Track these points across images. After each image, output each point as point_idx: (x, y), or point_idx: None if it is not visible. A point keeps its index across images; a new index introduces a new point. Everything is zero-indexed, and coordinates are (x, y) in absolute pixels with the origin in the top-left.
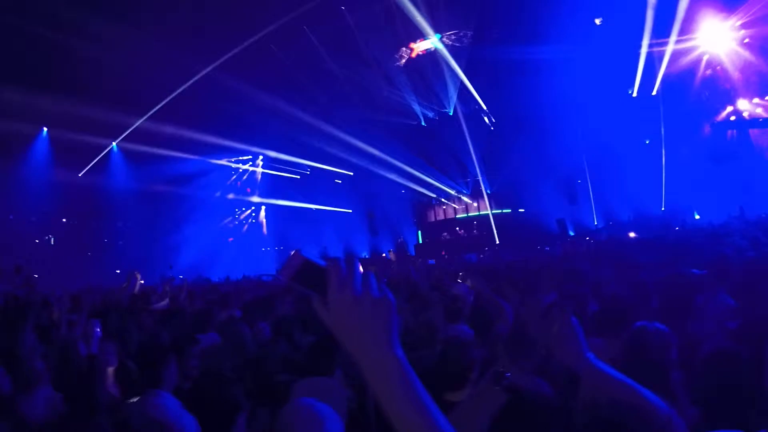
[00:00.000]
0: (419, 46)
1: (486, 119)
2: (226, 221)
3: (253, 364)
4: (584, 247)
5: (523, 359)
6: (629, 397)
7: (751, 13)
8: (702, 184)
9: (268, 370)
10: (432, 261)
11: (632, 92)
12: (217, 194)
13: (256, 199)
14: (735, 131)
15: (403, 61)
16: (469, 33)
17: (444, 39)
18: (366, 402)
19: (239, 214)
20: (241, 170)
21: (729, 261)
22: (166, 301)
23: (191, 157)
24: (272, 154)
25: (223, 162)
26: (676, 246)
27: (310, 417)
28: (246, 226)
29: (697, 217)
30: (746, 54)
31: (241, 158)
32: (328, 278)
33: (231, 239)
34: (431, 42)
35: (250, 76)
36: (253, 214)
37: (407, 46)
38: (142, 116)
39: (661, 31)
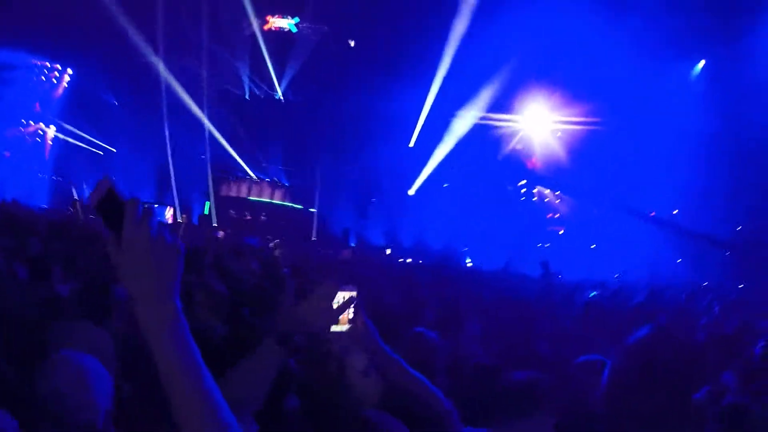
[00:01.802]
0: (275, 22)
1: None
2: (6, 132)
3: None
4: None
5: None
6: (422, 387)
7: (569, 115)
8: (482, 235)
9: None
10: (218, 233)
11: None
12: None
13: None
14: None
15: (253, 28)
16: (325, 28)
17: (301, 24)
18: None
19: (25, 127)
20: (44, 79)
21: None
22: None
23: None
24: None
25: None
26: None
27: (77, 374)
28: (29, 143)
29: (469, 261)
30: (555, 146)
31: (47, 64)
32: (126, 214)
33: (8, 154)
34: (287, 22)
35: None
36: (41, 132)
37: (263, 17)
38: None
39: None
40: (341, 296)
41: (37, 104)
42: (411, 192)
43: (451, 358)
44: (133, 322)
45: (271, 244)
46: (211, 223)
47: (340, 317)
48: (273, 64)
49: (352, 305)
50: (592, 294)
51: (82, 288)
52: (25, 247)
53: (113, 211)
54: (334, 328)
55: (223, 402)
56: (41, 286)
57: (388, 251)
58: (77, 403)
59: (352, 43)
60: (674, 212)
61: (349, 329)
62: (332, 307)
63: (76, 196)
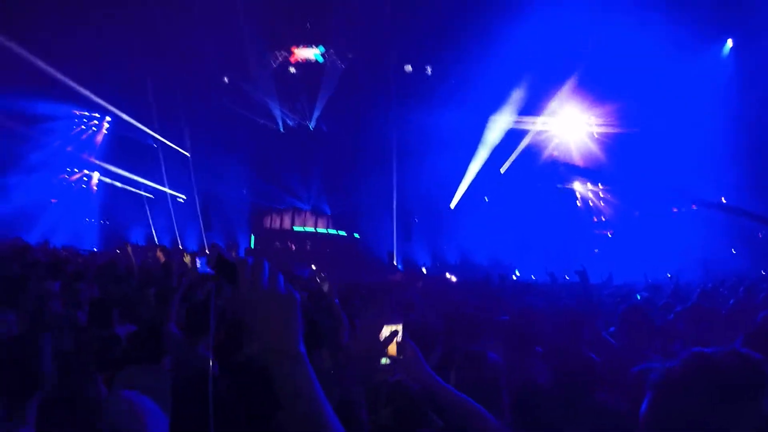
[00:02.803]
0: (301, 53)
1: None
2: (54, 179)
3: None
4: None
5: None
6: (468, 408)
7: (604, 115)
8: (526, 247)
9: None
10: None
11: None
12: (56, 144)
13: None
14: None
15: (280, 61)
16: (350, 55)
17: (327, 53)
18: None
19: (70, 175)
20: (84, 127)
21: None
22: None
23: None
24: (122, 116)
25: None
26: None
27: (131, 412)
28: (75, 190)
29: (517, 274)
30: (592, 146)
31: (86, 113)
32: (239, 272)
33: (54, 201)
34: (314, 52)
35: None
36: (85, 179)
37: (289, 49)
38: None
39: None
40: (387, 330)
41: (84, 152)
42: (452, 206)
43: (515, 379)
44: (184, 362)
45: (318, 278)
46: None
47: (388, 348)
48: (303, 95)
49: (399, 336)
50: (639, 297)
51: (138, 330)
52: (76, 292)
53: (228, 271)
54: (382, 361)
55: None
56: (103, 329)
57: (424, 269)
58: None
59: (409, 68)
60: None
61: (398, 359)
62: (379, 341)
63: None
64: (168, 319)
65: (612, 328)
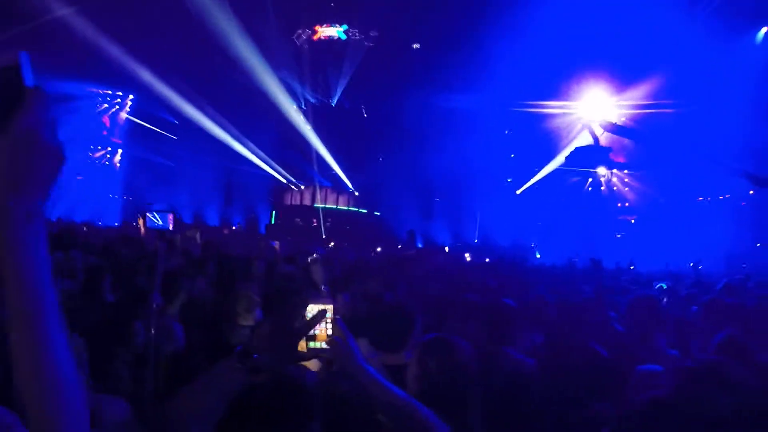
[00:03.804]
0: (324, 31)
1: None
2: (79, 157)
3: None
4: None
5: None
6: (413, 412)
7: (633, 99)
8: (548, 228)
9: None
10: (274, 243)
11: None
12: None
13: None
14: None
15: (303, 40)
16: (374, 34)
17: (349, 31)
18: None
19: (93, 152)
20: (107, 106)
21: (545, 302)
22: None
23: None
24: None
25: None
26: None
27: None
28: (99, 167)
29: (538, 256)
30: (618, 131)
31: (109, 92)
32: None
33: (80, 178)
34: (336, 30)
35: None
36: (108, 156)
37: (312, 27)
38: None
39: (546, 93)
40: (314, 309)
41: (105, 129)
42: (474, 186)
43: (487, 371)
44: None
45: (309, 258)
46: (278, 233)
47: (318, 334)
48: (327, 73)
49: (329, 319)
50: (658, 286)
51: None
52: (70, 260)
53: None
54: (311, 346)
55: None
56: (95, 295)
57: (447, 249)
58: None
59: (416, 46)
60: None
61: (328, 347)
62: (303, 322)
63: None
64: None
65: (613, 314)
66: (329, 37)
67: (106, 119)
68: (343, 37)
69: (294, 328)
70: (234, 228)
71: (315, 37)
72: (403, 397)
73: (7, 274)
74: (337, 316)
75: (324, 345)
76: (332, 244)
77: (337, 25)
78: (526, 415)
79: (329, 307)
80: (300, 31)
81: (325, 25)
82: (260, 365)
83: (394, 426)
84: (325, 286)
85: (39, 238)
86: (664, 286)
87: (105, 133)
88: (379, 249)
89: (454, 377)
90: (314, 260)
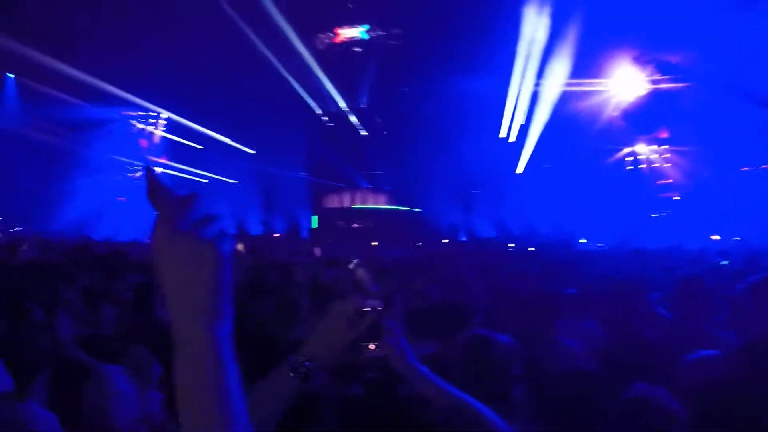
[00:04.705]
0: (345, 32)
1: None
2: (117, 178)
3: None
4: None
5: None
6: (464, 410)
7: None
8: (590, 213)
9: None
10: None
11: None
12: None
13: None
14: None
15: (325, 43)
16: (397, 31)
17: (370, 31)
18: None
19: (132, 173)
20: (140, 128)
21: (601, 285)
22: None
23: (91, 104)
24: (174, 117)
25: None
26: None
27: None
28: (139, 187)
29: (583, 241)
30: (653, 107)
31: (141, 113)
32: (159, 205)
33: (123, 199)
34: (358, 31)
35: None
36: None
37: (333, 30)
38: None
39: (579, 71)
40: (363, 311)
41: (142, 149)
42: (519, 171)
43: (533, 367)
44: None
45: (350, 264)
46: (322, 237)
47: (369, 335)
48: (353, 74)
49: (378, 321)
50: (723, 263)
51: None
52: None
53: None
54: (363, 348)
55: None
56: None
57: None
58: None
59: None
60: None
61: (376, 349)
62: (350, 325)
63: None
64: None
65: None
66: (351, 38)
67: (143, 140)
68: (366, 36)
69: (344, 332)
70: (277, 235)
71: (337, 40)
72: (459, 396)
73: (205, 401)
74: (388, 316)
75: (376, 347)
76: (375, 243)
77: (358, 25)
78: (580, 412)
79: (378, 308)
80: (322, 35)
81: (345, 27)
82: (313, 372)
83: (451, 425)
84: (373, 287)
85: (231, 352)
86: (726, 263)
87: (143, 152)
88: (419, 244)
89: (494, 375)
90: (357, 264)
